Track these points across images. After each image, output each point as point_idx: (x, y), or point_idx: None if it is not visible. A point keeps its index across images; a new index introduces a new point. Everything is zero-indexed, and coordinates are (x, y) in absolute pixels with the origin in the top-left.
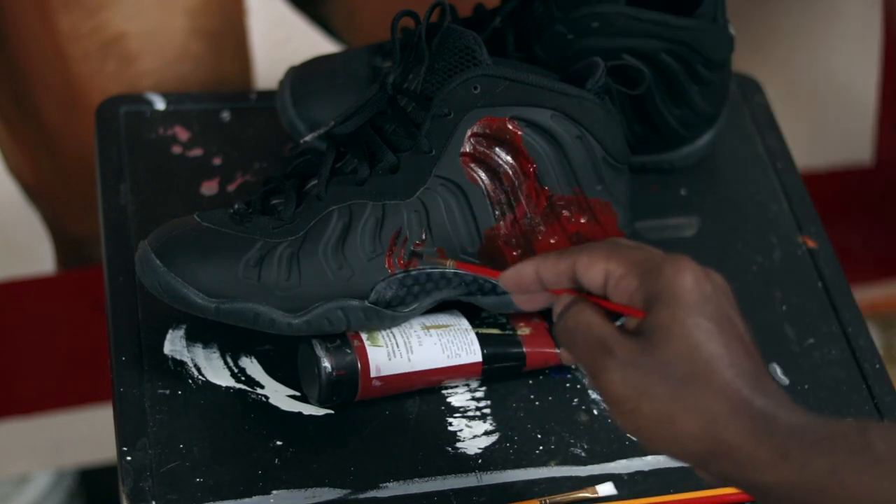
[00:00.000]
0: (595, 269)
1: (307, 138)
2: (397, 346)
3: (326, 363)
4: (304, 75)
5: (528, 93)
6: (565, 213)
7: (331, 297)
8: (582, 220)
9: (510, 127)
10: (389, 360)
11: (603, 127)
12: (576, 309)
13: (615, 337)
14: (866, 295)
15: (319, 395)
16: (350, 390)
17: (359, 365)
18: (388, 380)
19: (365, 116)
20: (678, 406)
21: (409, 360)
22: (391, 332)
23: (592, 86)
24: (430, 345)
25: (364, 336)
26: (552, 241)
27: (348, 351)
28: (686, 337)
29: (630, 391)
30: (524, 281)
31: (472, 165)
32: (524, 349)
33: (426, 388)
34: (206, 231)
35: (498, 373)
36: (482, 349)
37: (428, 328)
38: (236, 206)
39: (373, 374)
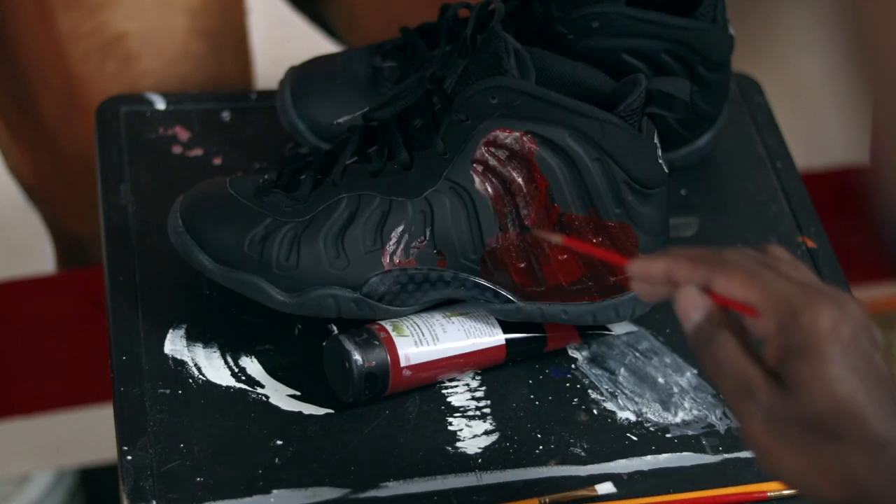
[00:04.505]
0: (732, 294)
1: (340, 120)
2: (423, 335)
3: (357, 356)
4: (304, 75)
5: (545, 110)
6: (577, 232)
7: (324, 283)
8: (595, 241)
9: (525, 141)
10: (417, 348)
11: (627, 151)
12: (721, 339)
13: (760, 382)
14: (866, 295)
15: (352, 389)
16: (382, 382)
17: (388, 356)
18: (417, 368)
19: (400, 106)
20: (820, 462)
21: (436, 346)
22: (414, 322)
23: (625, 108)
24: (454, 331)
25: (389, 327)
26: (561, 257)
27: (376, 343)
28: (828, 395)
29: (772, 441)
30: (652, 275)
31: (484, 174)
32: (545, 328)
33: (426, 388)
34: (227, 199)
35: (522, 354)
36: (504, 332)
37: (449, 316)
38: (265, 177)
39: (402, 364)
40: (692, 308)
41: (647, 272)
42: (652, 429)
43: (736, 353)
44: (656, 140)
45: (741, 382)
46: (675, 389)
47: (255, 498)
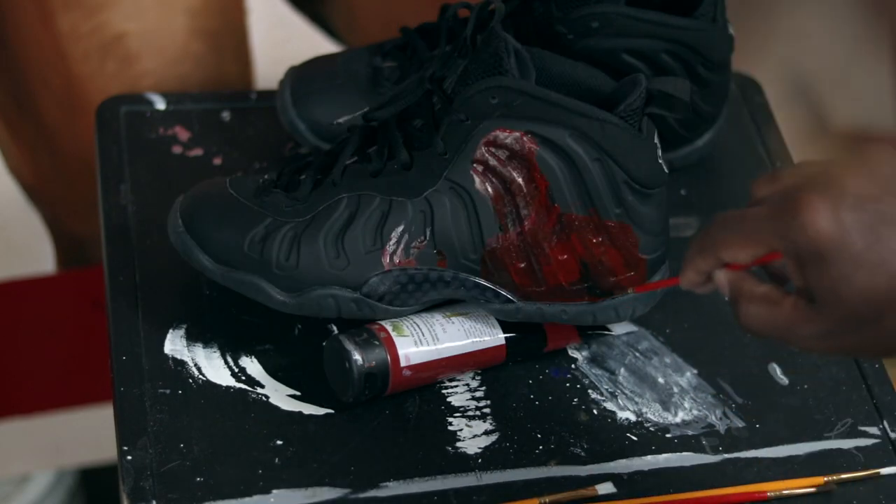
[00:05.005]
0: (739, 259)
1: (340, 120)
2: (423, 335)
3: (357, 356)
4: (304, 75)
5: (545, 110)
6: (577, 232)
7: (324, 283)
8: (595, 241)
9: (525, 141)
10: (417, 347)
11: (627, 151)
12: (745, 299)
13: (793, 317)
14: None
15: (352, 389)
16: (382, 382)
17: (388, 356)
18: (417, 368)
19: (400, 106)
20: (876, 337)
21: (436, 346)
22: (414, 322)
23: (625, 108)
24: (454, 331)
25: (389, 327)
26: (561, 257)
27: (376, 343)
28: (852, 291)
29: (831, 346)
30: (697, 283)
31: (484, 174)
32: (545, 328)
33: (426, 388)
34: (227, 199)
35: (522, 354)
36: (504, 332)
37: (449, 316)
38: (265, 177)
39: (402, 364)
40: (722, 289)
41: (693, 283)
42: (652, 429)
43: (761, 304)
44: (656, 140)
45: (777, 325)
46: (675, 389)
47: (255, 498)
